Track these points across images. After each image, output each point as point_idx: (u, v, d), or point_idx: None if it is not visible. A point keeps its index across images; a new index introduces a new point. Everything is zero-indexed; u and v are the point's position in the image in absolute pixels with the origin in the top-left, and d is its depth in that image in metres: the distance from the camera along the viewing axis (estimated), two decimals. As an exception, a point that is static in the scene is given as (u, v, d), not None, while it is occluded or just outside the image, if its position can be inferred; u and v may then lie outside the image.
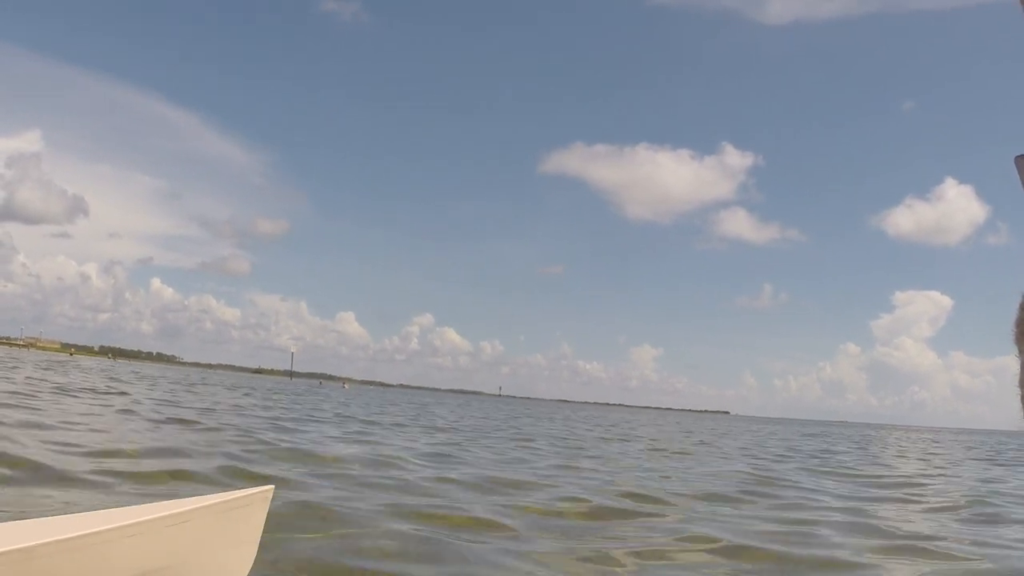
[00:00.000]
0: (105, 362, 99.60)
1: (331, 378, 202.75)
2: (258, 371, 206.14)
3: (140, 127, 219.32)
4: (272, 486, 3.23)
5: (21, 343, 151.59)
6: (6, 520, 3.39)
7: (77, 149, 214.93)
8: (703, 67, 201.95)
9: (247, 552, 3.20)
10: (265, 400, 27.96)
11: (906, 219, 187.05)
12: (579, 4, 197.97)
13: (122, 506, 3.32)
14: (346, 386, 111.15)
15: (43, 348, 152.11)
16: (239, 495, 3.09)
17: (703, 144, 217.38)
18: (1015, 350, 1.00)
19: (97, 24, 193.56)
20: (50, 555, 2.47)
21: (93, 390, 21.42)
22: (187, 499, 3.22)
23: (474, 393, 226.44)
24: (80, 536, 2.57)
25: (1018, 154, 1.01)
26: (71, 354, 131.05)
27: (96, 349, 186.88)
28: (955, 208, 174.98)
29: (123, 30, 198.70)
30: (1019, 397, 0.99)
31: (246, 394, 32.61)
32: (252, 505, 3.12)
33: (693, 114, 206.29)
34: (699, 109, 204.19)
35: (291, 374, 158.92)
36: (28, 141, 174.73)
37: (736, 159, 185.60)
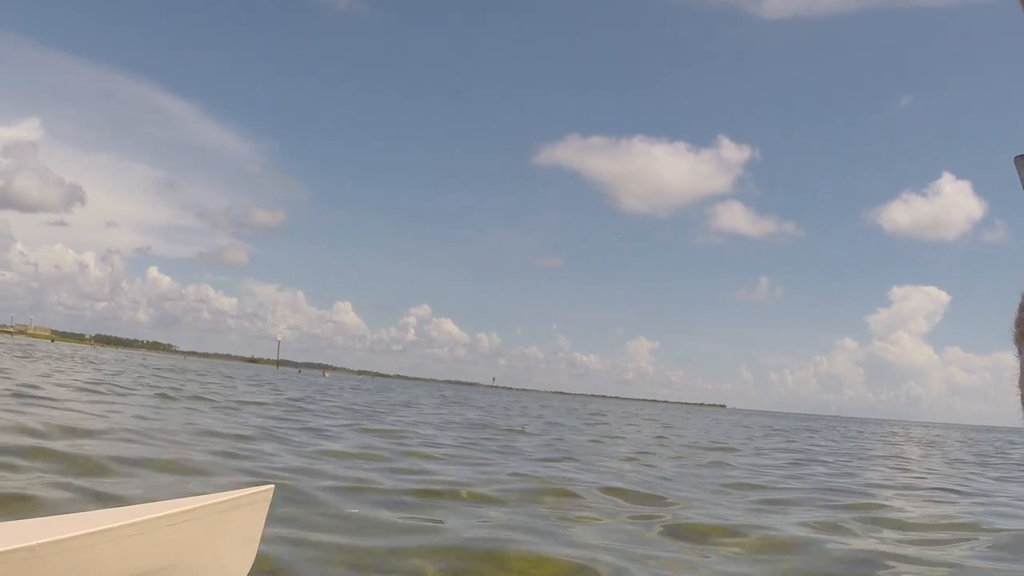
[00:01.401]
0: (71, 346, 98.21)
1: (321, 367, 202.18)
2: (252, 360, 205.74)
3: (138, 116, 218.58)
4: (272, 485, 3.22)
5: (11, 330, 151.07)
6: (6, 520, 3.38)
7: (75, 138, 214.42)
8: (701, 61, 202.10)
9: (247, 552, 3.19)
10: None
11: (903, 214, 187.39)
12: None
13: None
14: (327, 375, 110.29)
15: (32, 335, 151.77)
16: (239, 495, 3.08)
17: (700, 137, 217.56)
18: (1015, 349, 1.01)
19: (96, 13, 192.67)
20: (51, 555, 2.46)
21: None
22: (187, 499, 3.22)
23: (471, 384, 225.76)
24: (81, 536, 2.56)
25: (1018, 154, 1.02)
26: (52, 340, 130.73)
27: (87, 337, 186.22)
28: (952, 203, 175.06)
29: (122, 19, 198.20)
30: (1019, 396, 0.99)
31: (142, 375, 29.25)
32: (252, 505, 3.11)
33: (690, 107, 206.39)
34: (696, 102, 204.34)
35: (278, 363, 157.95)
36: (27, 129, 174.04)
37: (733, 152, 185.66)
